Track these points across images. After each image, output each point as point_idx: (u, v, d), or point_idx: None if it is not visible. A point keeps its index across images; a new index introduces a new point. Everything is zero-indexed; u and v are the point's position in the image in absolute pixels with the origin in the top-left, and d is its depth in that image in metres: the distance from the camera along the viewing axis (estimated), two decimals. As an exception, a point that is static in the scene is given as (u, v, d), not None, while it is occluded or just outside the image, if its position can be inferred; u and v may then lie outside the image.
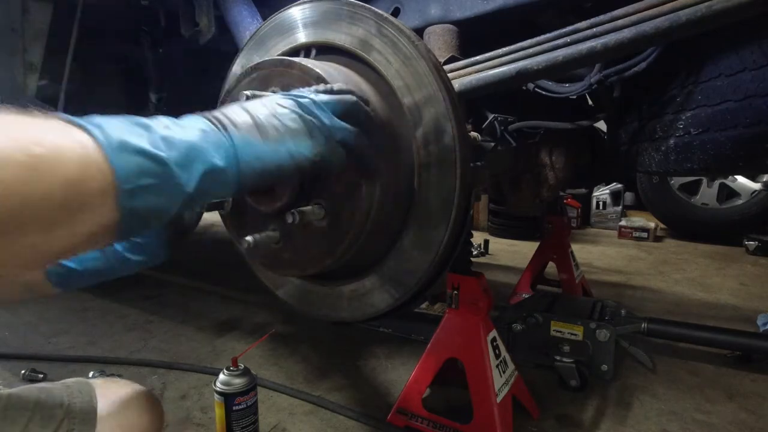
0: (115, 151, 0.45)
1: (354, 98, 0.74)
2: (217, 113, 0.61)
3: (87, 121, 0.46)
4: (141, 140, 0.48)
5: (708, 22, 0.78)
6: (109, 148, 0.45)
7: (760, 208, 3.68)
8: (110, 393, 0.82)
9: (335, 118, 0.70)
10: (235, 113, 0.62)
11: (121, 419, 0.81)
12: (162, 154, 0.49)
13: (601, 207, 4.73)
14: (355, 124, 0.73)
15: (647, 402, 1.49)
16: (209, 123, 0.58)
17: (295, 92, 0.72)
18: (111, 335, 1.97)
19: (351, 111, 0.73)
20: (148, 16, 1.84)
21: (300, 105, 0.68)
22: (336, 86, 0.74)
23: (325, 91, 0.73)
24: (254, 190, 0.67)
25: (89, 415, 0.75)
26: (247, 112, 0.63)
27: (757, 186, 3.73)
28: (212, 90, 2.04)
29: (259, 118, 0.63)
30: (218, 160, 0.55)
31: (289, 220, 0.78)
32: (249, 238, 0.80)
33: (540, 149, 1.65)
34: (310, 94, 0.71)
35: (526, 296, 2.13)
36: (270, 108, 0.66)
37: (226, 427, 1.15)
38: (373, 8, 0.92)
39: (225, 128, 0.59)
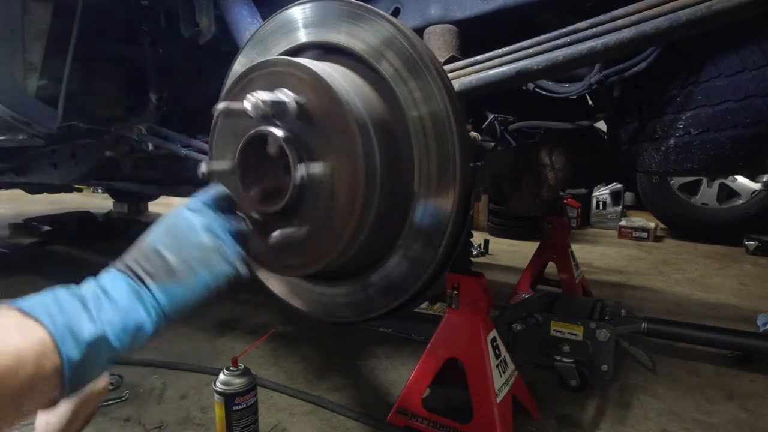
0: (64, 340, 0.56)
1: (224, 192, 0.80)
2: (133, 265, 0.68)
3: (41, 308, 0.57)
4: (83, 323, 0.58)
5: (708, 22, 0.78)
6: (59, 339, 0.55)
7: (760, 208, 3.68)
8: None
9: (232, 224, 0.77)
10: (150, 261, 0.68)
11: None
12: (101, 332, 0.59)
13: (601, 207, 4.73)
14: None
15: (647, 402, 1.49)
16: (132, 282, 0.66)
17: (195, 207, 0.76)
18: (111, 335, 1.97)
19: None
20: (148, 16, 1.84)
21: (206, 227, 0.73)
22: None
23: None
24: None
25: None
26: (159, 256, 0.68)
27: (757, 186, 3.73)
28: (212, 90, 2.04)
29: (172, 261, 0.68)
30: (147, 323, 0.64)
31: (298, 180, 0.81)
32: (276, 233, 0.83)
33: (540, 149, 1.65)
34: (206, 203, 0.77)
35: (526, 296, 2.13)
36: (180, 241, 0.70)
37: (226, 427, 1.15)
38: (373, 8, 0.92)
39: (145, 285, 0.66)
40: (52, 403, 0.58)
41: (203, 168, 0.91)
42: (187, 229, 0.72)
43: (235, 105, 0.87)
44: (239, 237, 0.77)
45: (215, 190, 0.80)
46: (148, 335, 0.65)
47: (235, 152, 0.90)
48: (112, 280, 0.66)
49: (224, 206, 0.79)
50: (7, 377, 0.51)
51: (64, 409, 0.84)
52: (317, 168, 0.82)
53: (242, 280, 0.76)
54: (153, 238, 0.71)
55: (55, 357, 0.55)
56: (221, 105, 0.90)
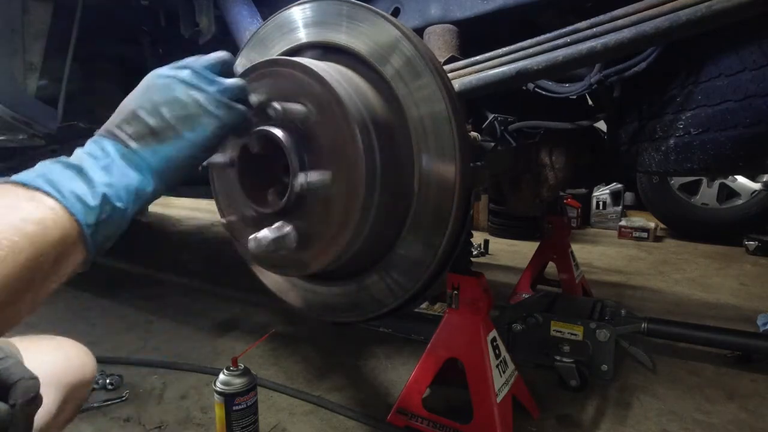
0: (74, 205, 0.56)
1: (226, 55, 0.76)
2: (115, 130, 0.67)
3: (41, 179, 0.57)
4: (84, 188, 0.59)
5: (708, 22, 0.78)
6: (69, 204, 0.56)
7: (760, 208, 3.68)
8: (30, 345, 0.83)
9: (221, 80, 0.72)
10: (130, 125, 0.67)
11: (54, 367, 0.85)
12: (104, 194, 0.60)
13: (601, 207, 4.73)
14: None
15: (647, 402, 1.49)
16: (119, 146, 0.66)
17: (176, 66, 0.73)
18: (111, 335, 1.97)
19: (230, 65, 0.77)
20: (148, 16, 1.84)
21: (181, 81, 0.70)
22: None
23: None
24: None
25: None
26: (138, 118, 0.67)
27: (757, 186, 3.73)
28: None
29: (152, 122, 0.67)
30: (143, 183, 0.65)
31: (297, 187, 0.81)
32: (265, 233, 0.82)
33: (540, 149, 1.65)
34: (190, 63, 0.73)
35: (526, 296, 2.13)
36: (156, 100, 0.68)
37: (226, 427, 1.15)
38: (373, 8, 0.92)
39: (130, 148, 0.66)
40: (84, 266, 0.60)
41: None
42: (163, 87, 0.69)
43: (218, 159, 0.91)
44: (228, 90, 0.72)
45: (214, 55, 0.75)
46: (149, 194, 0.66)
47: (235, 146, 0.90)
48: (99, 146, 0.65)
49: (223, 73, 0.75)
50: (41, 241, 0.52)
51: (52, 398, 0.82)
52: (317, 176, 0.82)
53: (237, 126, 0.73)
54: (131, 100, 0.69)
55: (72, 221, 0.56)
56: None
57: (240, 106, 0.73)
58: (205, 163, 0.89)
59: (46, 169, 0.59)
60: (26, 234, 0.51)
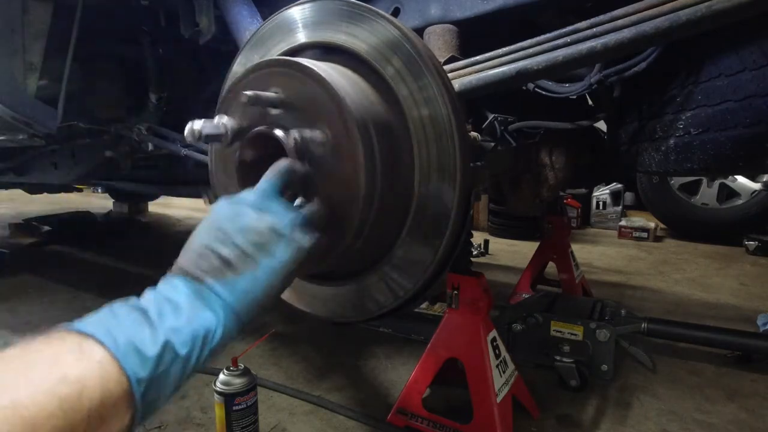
0: (127, 357, 0.51)
1: (283, 167, 0.75)
2: (188, 267, 0.63)
3: (97, 324, 0.53)
4: (146, 335, 0.54)
5: (708, 22, 0.78)
6: (122, 356, 0.51)
7: (760, 208, 3.68)
8: None
9: (286, 203, 0.72)
10: (204, 258, 0.63)
11: None
12: (167, 341, 0.55)
13: (601, 207, 4.73)
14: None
15: (647, 402, 1.49)
16: (191, 284, 0.61)
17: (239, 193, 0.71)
18: (111, 335, 1.97)
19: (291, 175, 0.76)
20: (148, 16, 1.84)
21: (250, 206, 0.68)
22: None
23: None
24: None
25: None
26: (211, 250, 0.64)
27: (757, 186, 3.73)
28: (213, 90, 2.04)
29: (226, 253, 0.63)
30: (215, 324, 0.60)
31: (291, 143, 0.80)
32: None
33: (540, 149, 1.65)
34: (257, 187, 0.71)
35: (526, 296, 2.13)
36: (228, 229, 0.65)
37: (226, 427, 1.15)
38: (373, 8, 0.91)
39: (205, 284, 0.62)
40: (127, 430, 0.53)
41: (196, 125, 0.81)
42: (232, 215, 0.66)
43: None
44: (304, 216, 0.72)
45: (272, 171, 0.74)
46: (220, 338, 0.60)
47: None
48: (170, 285, 0.61)
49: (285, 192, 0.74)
50: (72, 407, 0.46)
51: None
52: (313, 207, 0.81)
53: (315, 252, 0.71)
54: (200, 234, 0.67)
55: (120, 377, 0.50)
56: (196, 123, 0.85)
57: (311, 235, 0.71)
58: (197, 128, 0.82)
59: (110, 311, 0.56)
60: (58, 398, 0.45)
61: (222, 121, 0.85)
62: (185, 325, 0.57)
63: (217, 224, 0.66)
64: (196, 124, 0.80)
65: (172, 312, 0.58)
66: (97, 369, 0.49)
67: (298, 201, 0.75)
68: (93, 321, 0.54)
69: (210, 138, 0.84)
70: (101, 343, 0.51)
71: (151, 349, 0.53)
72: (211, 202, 0.93)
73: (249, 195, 0.69)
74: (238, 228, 0.65)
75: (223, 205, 0.69)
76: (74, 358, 0.49)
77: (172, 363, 0.55)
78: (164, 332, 0.55)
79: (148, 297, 0.60)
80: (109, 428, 0.50)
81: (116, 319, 0.55)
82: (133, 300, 0.59)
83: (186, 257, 0.65)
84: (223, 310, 0.61)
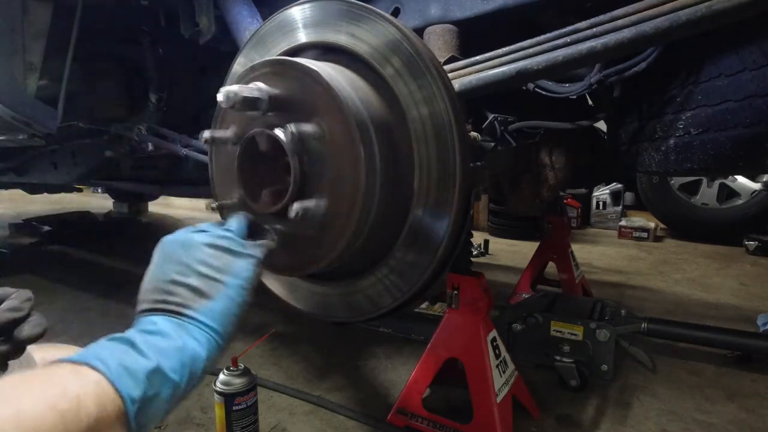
0: (120, 378, 0.53)
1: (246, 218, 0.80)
2: (159, 305, 0.64)
3: (87, 355, 0.54)
4: (136, 360, 0.56)
5: (708, 22, 0.78)
6: (115, 377, 0.53)
7: (760, 208, 3.68)
8: (48, 354, 0.82)
9: (228, 224, 0.78)
10: (172, 294, 0.65)
11: None
12: (156, 364, 0.57)
13: (601, 207, 4.73)
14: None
15: (647, 402, 1.49)
16: (169, 318, 0.63)
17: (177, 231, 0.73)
18: (111, 335, 1.97)
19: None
20: (148, 16, 1.84)
21: (196, 233, 0.71)
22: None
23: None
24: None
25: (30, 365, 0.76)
26: (178, 284, 0.66)
27: (757, 186, 3.73)
28: (213, 89, 2.03)
29: (194, 282, 0.66)
30: (199, 349, 0.62)
31: (292, 215, 0.79)
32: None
33: (540, 149, 1.65)
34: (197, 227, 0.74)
35: (526, 296, 2.13)
36: (186, 261, 0.68)
37: (226, 427, 1.15)
38: (373, 8, 0.92)
39: (183, 315, 0.64)
40: None
41: (206, 134, 0.90)
42: (183, 247, 0.69)
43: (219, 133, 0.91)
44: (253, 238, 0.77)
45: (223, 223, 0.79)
46: (206, 360, 0.63)
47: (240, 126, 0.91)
48: (149, 322, 0.63)
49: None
50: (72, 420, 0.48)
51: None
52: (312, 203, 0.82)
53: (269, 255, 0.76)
54: (157, 271, 0.68)
55: (115, 396, 0.52)
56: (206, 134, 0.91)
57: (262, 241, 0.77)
58: (207, 136, 0.89)
59: (97, 344, 0.57)
60: (58, 411, 0.47)
61: (258, 86, 0.86)
62: (173, 352, 0.59)
63: (174, 258, 0.68)
64: (233, 87, 0.81)
65: (159, 341, 0.60)
66: (93, 387, 0.51)
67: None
68: (82, 353, 0.56)
69: (248, 101, 0.83)
70: (95, 368, 0.53)
71: (142, 372, 0.55)
72: (211, 208, 0.95)
73: (188, 229, 0.73)
74: (194, 257, 0.68)
75: (167, 241, 0.71)
76: (72, 377, 0.51)
77: (162, 385, 0.57)
78: (154, 357, 0.57)
79: (130, 332, 0.61)
80: None
81: (106, 349, 0.57)
82: (116, 334, 0.60)
83: (154, 296, 0.66)
84: (206, 335, 0.64)
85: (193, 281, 0.66)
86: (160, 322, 0.63)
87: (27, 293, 0.67)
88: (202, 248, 0.69)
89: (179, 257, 0.68)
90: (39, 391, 0.48)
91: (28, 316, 0.66)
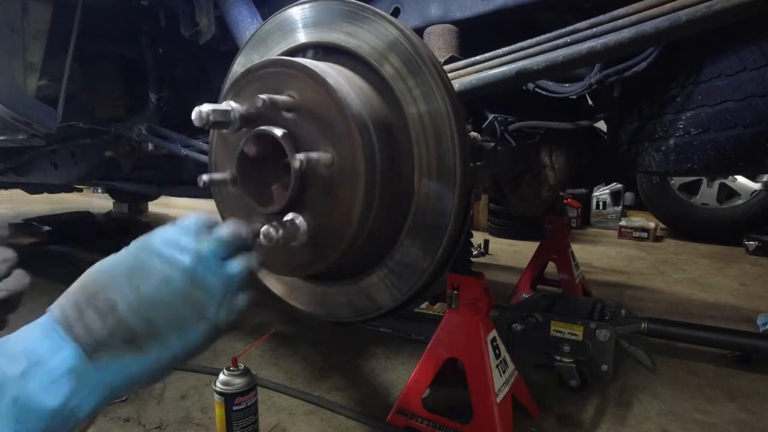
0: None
1: (240, 231, 0.64)
2: (76, 325, 0.51)
3: None
4: None
5: (708, 22, 0.78)
6: None
7: (760, 208, 3.68)
8: None
9: (230, 271, 0.60)
10: (103, 319, 0.52)
11: None
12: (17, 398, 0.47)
13: (601, 207, 4.73)
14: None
15: (647, 402, 1.49)
16: (72, 354, 0.50)
17: (179, 242, 0.58)
18: (111, 335, 1.97)
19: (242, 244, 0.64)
20: (148, 16, 1.84)
21: (182, 272, 0.56)
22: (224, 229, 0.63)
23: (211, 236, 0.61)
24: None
25: None
26: (115, 313, 0.52)
27: (757, 186, 3.73)
28: (213, 89, 2.04)
29: (134, 323, 0.53)
30: (81, 410, 0.50)
31: (289, 216, 0.78)
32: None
33: (540, 149, 1.65)
34: (200, 242, 0.59)
35: (526, 296, 2.13)
36: (145, 294, 0.54)
37: (226, 427, 1.15)
38: (373, 8, 0.91)
39: (97, 362, 0.51)
40: None
41: (204, 178, 0.85)
42: (157, 276, 0.55)
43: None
44: (236, 280, 0.61)
45: (204, 218, 0.62)
46: (86, 417, 0.51)
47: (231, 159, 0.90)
48: (52, 340, 0.50)
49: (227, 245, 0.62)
50: None
51: None
52: (316, 154, 0.81)
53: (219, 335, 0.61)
54: (111, 279, 0.55)
55: None
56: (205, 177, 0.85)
57: (240, 303, 0.62)
58: (206, 179, 0.85)
59: None
60: None
61: (230, 105, 0.85)
62: (48, 400, 0.48)
63: (137, 279, 0.55)
64: (204, 107, 0.79)
65: (39, 376, 0.48)
66: None
67: (239, 263, 0.64)
68: None
69: (218, 123, 0.82)
70: None
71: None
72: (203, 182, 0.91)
73: (185, 254, 0.57)
74: (157, 296, 0.54)
75: (152, 251, 0.57)
76: None
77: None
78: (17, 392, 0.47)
79: (11, 347, 0.50)
80: None
81: None
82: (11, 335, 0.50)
83: (82, 299, 0.53)
84: (100, 388, 0.52)
85: (135, 324, 0.53)
86: (65, 349, 0.50)
87: (7, 252, 0.63)
88: (174, 289, 0.55)
89: (142, 283, 0.55)
90: None
91: (9, 274, 0.63)
